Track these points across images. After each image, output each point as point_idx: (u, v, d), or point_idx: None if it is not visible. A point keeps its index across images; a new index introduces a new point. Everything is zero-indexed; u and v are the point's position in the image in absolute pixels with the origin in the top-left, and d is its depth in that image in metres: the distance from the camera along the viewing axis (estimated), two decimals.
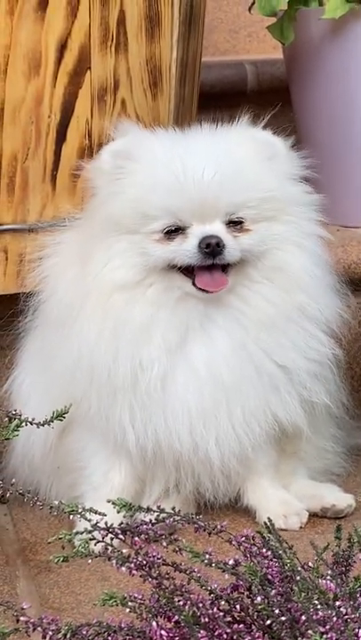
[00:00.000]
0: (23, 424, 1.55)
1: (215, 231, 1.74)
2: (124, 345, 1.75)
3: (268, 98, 2.91)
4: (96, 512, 1.37)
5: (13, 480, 1.62)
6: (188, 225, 1.75)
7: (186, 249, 1.74)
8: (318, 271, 1.82)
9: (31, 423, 1.60)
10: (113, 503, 1.32)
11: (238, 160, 1.78)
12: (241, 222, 1.77)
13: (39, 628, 1.22)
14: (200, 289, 1.75)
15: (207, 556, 1.23)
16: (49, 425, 1.61)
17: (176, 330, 1.77)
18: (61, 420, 1.64)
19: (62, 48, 1.96)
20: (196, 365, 1.77)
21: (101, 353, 1.76)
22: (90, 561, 1.29)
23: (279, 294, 1.79)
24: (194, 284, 1.76)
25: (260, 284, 1.80)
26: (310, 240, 1.83)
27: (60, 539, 1.25)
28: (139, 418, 1.77)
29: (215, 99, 2.82)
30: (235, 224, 1.77)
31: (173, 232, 1.75)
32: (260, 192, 1.78)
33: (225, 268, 1.77)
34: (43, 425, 1.61)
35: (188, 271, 1.76)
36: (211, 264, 1.74)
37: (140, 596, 1.26)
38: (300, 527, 1.88)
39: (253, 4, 2.39)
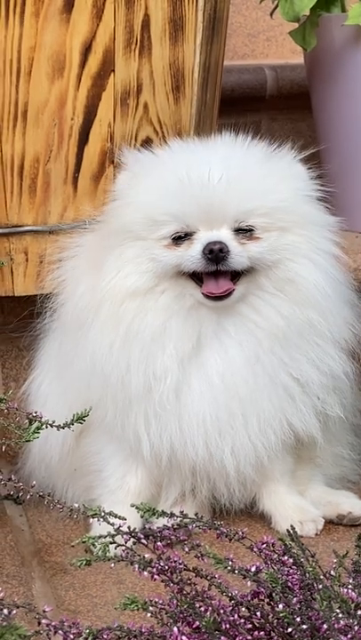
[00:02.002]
0: (43, 426, 1.55)
1: (220, 237, 1.73)
2: (136, 355, 1.76)
3: (288, 103, 2.92)
4: (116, 516, 1.37)
5: (34, 482, 1.62)
6: (195, 230, 1.75)
7: (190, 254, 1.73)
8: (330, 289, 1.80)
9: (51, 425, 1.60)
10: (136, 507, 1.32)
11: (247, 168, 1.77)
12: (251, 230, 1.76)
13: (60, 632, 1.21)
14: (207, 296, 1.74)
15: (230, 563, 1.23)
16: (69, 428, 1.61)
17: (189, 339, 1.77)
18: (81, 423, 1.64)
19: (87, 51, 1.96)
20: (210, 375, 1.77)
21: (114, 363, 1.76)
22: (113, 564, 1.29)
23: (290, 307, 1.78)
24: (201, 290, 1.75)
25: (272, 294, 1.78)
26: (324, 257, 1.81)
27: (84, 542, 1.25)
28: (154, 427, 1.77)
29: (234, 103, 2.83)
30: (244, 232, 1.76)
31: (181, 238, 1.75)
32: (272, 201, 1.76)
33: (235, 276, 1.76)
34: (63, 428, 1.61)
35: (197, 278, 1.76)
36: (215, 270, 1.73)
37: (160, 601, 1.26)
38: (316, 534, 1.87)
39: (276, 8, 2.39)
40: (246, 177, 1.76)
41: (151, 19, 1.98)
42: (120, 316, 1.77)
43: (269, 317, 1.78)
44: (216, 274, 1.74)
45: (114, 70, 1.99)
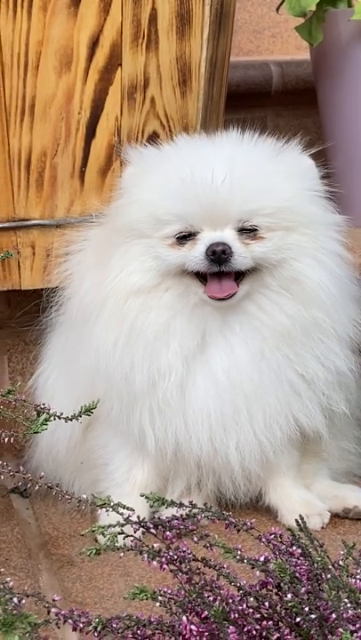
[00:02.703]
0: (51, 418, 1.56)
1: (223, 238, 1.72)
2: (140, 352, 1.76)
3: (293, 99, 2.93)
4: (124, 507, 1.37)
5: (42, 474, 1.62)
6: (199, 230, 1.74)
7: (194, 255, 1.73)
8: (334, 289, 1.79)
9: (59, 417, 1.60)
10: (146, 497, 1.33)
11: (252, 167, 1.77)
12: (255, 230, 1.76)
13: (70, 621, 1.22)
14: (210, 296, 1.74)
15: (239, 553, 1.23)
16: (77, 420, 1.61)
17: (193, 337, 1.77)
18: (89, 416, 1.64)
19: (94, 45, 1.96)
20: (215, 372, 1.77)
21: (118, 360, 1.76)
22: (122, 554, 1.29)
23: (295, 306, 1.78)
24: (205, 291, 1.75)
25: (277, 293, 1.78)
26: (329, 256, 1.80)
27: (94, 531, 1.25)
28: (158, 422, 1.78)
29: (240, 99, 2.83)
30: (248, 231, 1.75)
31: (185, 237, 1.75)
32: (276, 201, 1.76)
33: (238, 275, 1.76)
34: (70, 420, 1.62)
35: (202, 277, 1.76)
36: (218, 271, 1.73)
37: (169, 591, 1.27)
38: (322, 527, 1.87)
39: (282, 4, 2.39)
40: (251, 177, 1.75)
41: (158, 13, 1.99)
42: (124, 313, 1.77)
43: (274, 316, 1.78)
44: (220, 274, 1.74)
45: (121, 64, 1.99)
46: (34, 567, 1.77)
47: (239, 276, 1.76)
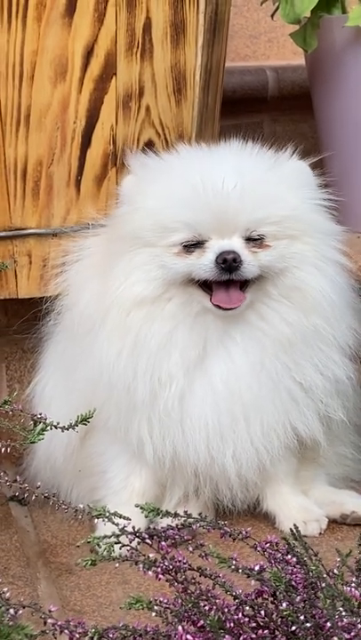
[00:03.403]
0: (48, 428, 1.56)
1: (233, 246, 1.73)
2: (143, 362, 1.76)
3: (290, 104, 2.93)
4: (121, 516, 1.38)
5: (39, 483, 1.63)
6: (207, 239, 1.75)
7: (203, 263, 1.73)
8: (336, 297, 1.81)
9: (56, 427, 1.61)
10: (141, 508, 1.33)
11: (261, 175, 1.78)
12: (261, 239, 1.77)
13: (66, 631, 1.23)
14: (216, 306, 1.75)
15: (233, 562, 1.24)
16: (73, 429, 1.62)
17: (195, 347, 1.78)
18: (85, 425, 1.65)
19: (88, 54, 1.97)
20: (214, 382, 1.78)
21: (121, 370, 1.77)
22: (117, 564, 1.30)
23: (296, 314, 1.79)
24: (211, 300, 1.76)
25: (278, 302, 1.79)
26: (330, 265, 1.82)
27: (89, 542, 1.26)
28: (157, 431, 1.78)
29: (236, 105, 2.84)
30: (255, 240, 1.76)
31: (192, 245, 1.75)
32: (283, 209, 1.77)
33: (243, 284, 1.76)
34: (67, 429, 1.62)
35: (206, 286, 1.76)
36: (227, 279, 1.73)
37: (165, 600, 1.27)
38: (320, 534, 1.88)
39: (276, 10, 2.40)
40: (259, 185, 1.76)
41: (153, 22, 1.99)
42: (128, 324, 1.77)
43: (275, 324, 1.79)
44: (226, 282, 1.74)
45: (116, 73, 2.00)
46: (32, 575, 1.77)
47: (243, 284, 1.77)
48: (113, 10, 1.95)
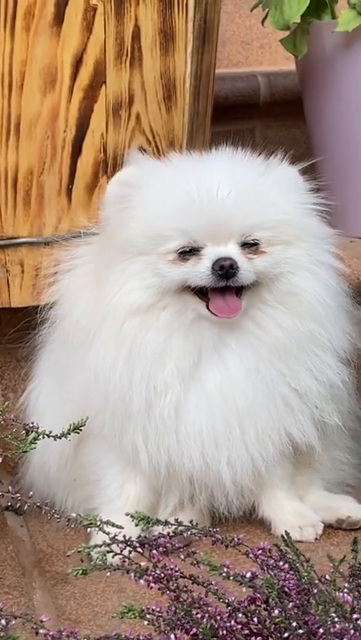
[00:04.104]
0: (40, 437, 1.56)
1: (229, 253, 1.73)
2: (138, 372, 1.76)
3: (282, 109, 2.94)
4: (113, 525, 1.38)
5: (31, 493, 1.63)
6: (203, 246, 1.75)
7: (199, 270, 1.73)
8: (330, 300, 1.81)
9: (48, 436, 1.61)
10: (131, 516, 1.33)
11: (253, 181, 1.78)
12: (256, 244, 1.77)
13: None
14: (214, 313, 1.75)
15: (225, 569, 1.24)
16: (66, 438, 1.62)
17: (190, 355, 1.77)
18: (78, 433, 1.65)
19: (78, 63, 1.98)
20: (209, 389, 1.78)
21: (116, 380, 1.76)
22: (109, 573, 1.30)
23: (291, 320, 1.79)
24: (208, 307, 1.76)
25: (273, 308, 1.79)
26: (324, 269, 1.82)
27: (80, 552, 1.26)
28: (151, 440, 1.78)
29: (228, 111, 2.85)
30: (250, 246, 1.76)
31: (188, 253, 1.75)
32: (277, 214, 1.77)
33: (239, 289, 1.76)
34: (60, 438, 1.62)
35: (202, 293, 1.76)
36: (224, 286, 1.73)
37: (157, 609, 1.27)
38: (316, 539, 1.88)
39: (267, 16, 2.41)
40: (252, 191, 1.77)
41: (141, 30, 2.00)
42: (123, 333, 1.77)
43: (270, 330, 1.79)
44: (223, 289, 1.74)
45: (105, 82, 2.00)
46: (28, 585, 1.77)
47: (239, 290, 1.77)
48: (101, 19, 1.96)
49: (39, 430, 1.58)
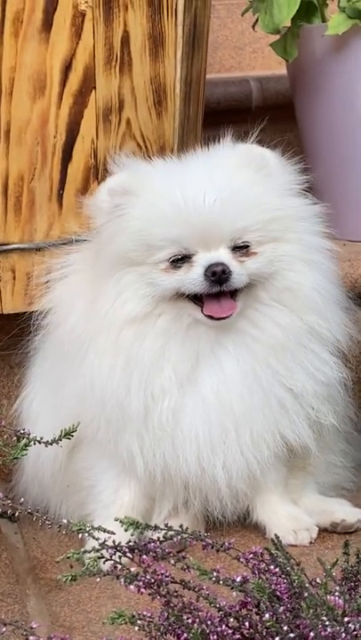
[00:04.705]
0: (32, 443, 1.56)
1: (220, 258, 1.73)
2: (136, 379, 1.76)
3: (274, 113, 2.93)
4: (105, 530, 1.37)
5: (22, 499, 1.62)
6: (194, 252, 1.75)
7: (192, 277, 1.73)
8: (330, 286, 1.81)
9: (39, 442, 1.61)
10: (121, 522, 1.33)
11: (237, 183, 1.77)
12: (247, 246, 1.76)
13: None
14: (209, 316, 1.75)
15: (215, 574, 1.23)
16: (57, 444, 1.62)
17: (187, 360, 1.77)
18: (69, 439, 1.64)
19: (67, 69, 1.98)
20: (206, 394, 1.78)
21: (114, 388, 1.76)
22: (99, 579, 1.29)
23: (289, 316, 1.78)
24: (203, 311, 1.75)
25: (269, 306, 1.79)
26: (318, 254, 1.82)
27: (69, 558, 1.25)
28: (147, 445, 1.78)
29: (221, 115, 2.84)
30: (241, 249, 1.76)
31: (180, 260, 1.75)
32: (264, 213, 1.77)
33: (233, 292, 1.76)
34: (51, 444, 1.62)
35: (196, 299, 1.76)
36: (218, 291, 1.73)
37: (148, 614, 1.26)
38: (311, 542, 1.87)
39: (257, 21, 2.41)
40: (238, 194, 1.76)
41: (131, 35, 2.00)
42: (119, 343, 1.77)
43: (267, 329, 1.79)
44: (217, 293, 1.74)
45: (95, 87, 2.00)
46: (22, 592, 1.76)
47: (233, 293, 1.76)
48: (90, 24, 1.96)
49: (30, 436, 1.57)
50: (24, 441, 1.53)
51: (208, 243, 1.74)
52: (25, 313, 1.98)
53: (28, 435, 1.57)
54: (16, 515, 1.95)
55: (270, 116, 2.94)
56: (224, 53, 3.37)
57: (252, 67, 3.38)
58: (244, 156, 1.82)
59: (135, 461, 1.80)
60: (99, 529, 1.36)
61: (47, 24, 1.94)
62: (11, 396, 2.19)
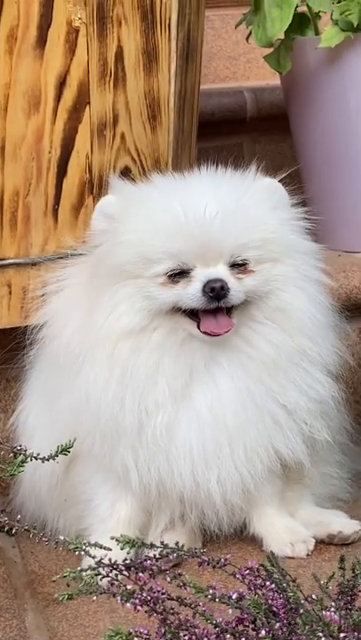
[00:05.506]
0: (28, 459, 1.56)
1: (219, 274, 1.74)
2: (130, 393, 1.76)
3: (269, 124, 2.95)
4: (101, 547, 1.38)
5: (18, 516, 1.63)
6: (192, 267, 1.75)
7: (190, 293, 1.74)
8: (320, 316, 1.82)
9: (36, 458, 1.61)
10: (116, 540, 1.33)
11: (240, 201, 1.78)
12: (245, 264, 1.77)
13: None
14: (205, 333, 1.75)
15: (211, 591, 1.24)
16: (54, 460, 1.62)
17: (181, 375, 1.78)
18: (66, 455, 1.65)
19: (61, 85, 1.98)
20: (200, 409, 1.78)
21: (108, 402, 1.76)
22: (94, 598, 1.30)
23: (281, 336, 1.79)
24: (199, 327, 1.76)
25: (263, 324, 1.80)
26: (312, 285, 1.83)
27: (65, 577, 1.26)
28: (142, 459, 1.78)
29: (216, 126, 2.86)
30: (239, 266, 1.77)
31: (177, 275, 1.75)
32: (264, 233, 1.78)
33: (229, 309, 1.77)
34: (47, 460, 1.62)
35: (193, 314, 1.77)
36: (215, 307, 1.74)
37: (145, 631, 1.27)
38: (308, 554, 1.88)
39: (251, 34, 2.42)
40: (239, 211, 1.77)
41: (124, 50, 2.01)
42: (115, 356, 1.77)
43: (260, 347, 1.80)
44: (214, 309, 1.75)
45: (89, 103, 2.01)
46: (20, 607, 1.77)
47: (229, 309, 1.77)
48: (84, 40, 1.97)
49: (27, 453, 1.57)
50: (20, 457, 1.53)
51: (207, 258, 1.75)
52: (21, 327, 1.98)
53: (25, 451, 1.58)
54: (14, 529, 1.97)
55: (265, 126, 2.97)
56: (218, 64, 3.38)
57: (246, 77, 3.39)
58: (252, 181, 1.83)
59: (130, 475, 1.80)
60: (95, 545, 1.36)
61: (41, 40, 1.95)
62: (7, 410, 2.20)
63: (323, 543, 1.91)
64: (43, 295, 1.92)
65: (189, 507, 1.84)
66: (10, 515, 1.76)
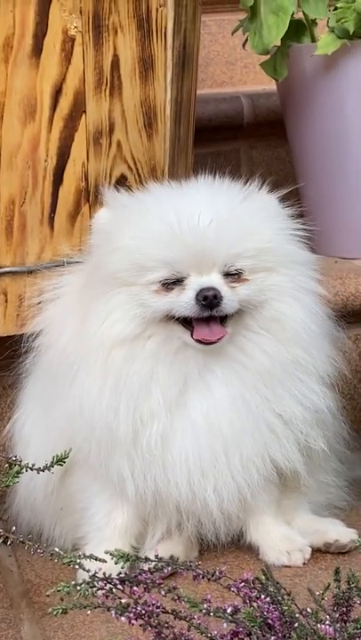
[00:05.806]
0: (23, 470, 1.56)
1: (212, 283, 1.74)
2: (124, 402, 1.76)
3: (266, 130, 2.95)
4: (96, 559, 1.38)
5: (14, 528, 1.63)
6: (186, 276, 1.75)
7: (183, 301, 1.74)
8: (314, 326, 1.82)
9: (31, 469, 1.61)
10: (111, 554, 1.33)
11: (235, 210, 1.78)
12: (239, 273, 1.77)
13: None
14: (198, 341, 1.75)
15: (205, 605, 1.24)
16: (49, 470, 1.62)
17: (176, 384, 1.78)
18: (61, 465, 1.65)
19: (57, 93, 1.98)
20: (195, 417, 1.78)
21: (102, 410, 1.76)
22: (89, 612, 1.29)
23: (276, 346, 1.79)
24: (192, 335, 1.76)
25: (257, 334, 1.80)
26: (307, 295, 1.83)
27: (59, 591, 1.26)
28: (138, 469, 1.78)
29: (213, 132, 2.85)
30: (233, 275, 1.77)
31: (171, 283, 1.75)
32: (259, 242, 1.78)
33: (223, 318, 1.76)
34: (43, 470, 1.62)
35: (186, 322, 1.77)
36: (208, 316, 1.74)
37: None
38: (304, 563, 1.88)
39: (247, 40, 2.42)
40: (234, 220, 1.77)
41: (120, 59, 2.01)
42: (109, 364, 1.77)
43: (255, 356, 1.79)
44: (207, 318, 1.75)
45: (85, 111, 2.01)
46: (16, 617, 1.76)
47: (223, 318, 1.77)
48: (80, 49, 1.97)
49: (22, 463, 1.57)
50: (16, 468, 1.53)
51: (201, 266, 1.75)
52: (17, 335, 1.98)
53: (20, 462, 1.57)
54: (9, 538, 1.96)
55: (262, 132, 2.97)
56: (215, 69, 3.38)
57: (243, 82, 3.38)
58: (248, 191, 1.83)
59: (126, 484, 1.80)
60: (90, 557, 1.36)
61: (37, 49, 1.95)
62: (4, 418, 2.20)
63: (319, 552, 1.91)
64: (39, 303, 1.92)
65: (186, 516, 1.84)
66: (6, 523, 1.76)
